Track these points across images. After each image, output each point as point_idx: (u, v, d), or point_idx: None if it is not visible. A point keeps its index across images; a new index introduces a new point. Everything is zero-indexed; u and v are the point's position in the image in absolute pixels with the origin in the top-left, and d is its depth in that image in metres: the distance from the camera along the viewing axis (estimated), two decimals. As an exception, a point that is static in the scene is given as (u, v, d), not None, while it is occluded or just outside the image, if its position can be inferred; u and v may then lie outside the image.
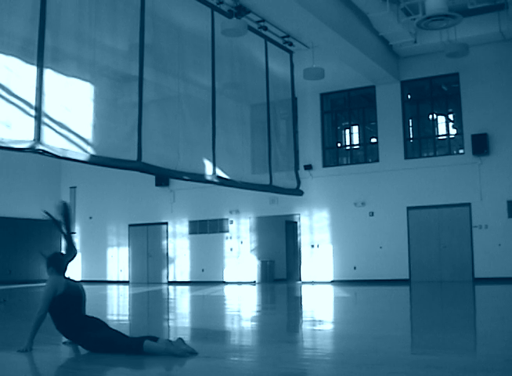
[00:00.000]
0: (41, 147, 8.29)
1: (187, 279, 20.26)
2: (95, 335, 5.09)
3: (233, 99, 13.48)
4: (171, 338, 5.06)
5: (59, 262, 5.39)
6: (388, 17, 14.34)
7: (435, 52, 16.55)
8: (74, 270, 22.65)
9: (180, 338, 4.96)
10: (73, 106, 9.14)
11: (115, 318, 9.36)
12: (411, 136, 18.00)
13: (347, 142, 19.62)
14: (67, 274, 5.46)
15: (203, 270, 20.04)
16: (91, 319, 5.32)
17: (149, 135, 10.23)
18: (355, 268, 17.70)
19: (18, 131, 8.15)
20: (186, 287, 17.65)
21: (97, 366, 4.68)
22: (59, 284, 5.25)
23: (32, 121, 8.28)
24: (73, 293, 5.33)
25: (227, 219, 19.88)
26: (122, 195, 21.72)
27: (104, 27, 9.80)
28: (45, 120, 8.46)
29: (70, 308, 5.25)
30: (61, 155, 8.79)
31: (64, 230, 5.48)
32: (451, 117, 18.58)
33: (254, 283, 18.96)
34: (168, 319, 8.95)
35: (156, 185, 20.60)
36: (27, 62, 8.40)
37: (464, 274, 16.38)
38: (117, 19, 10.06)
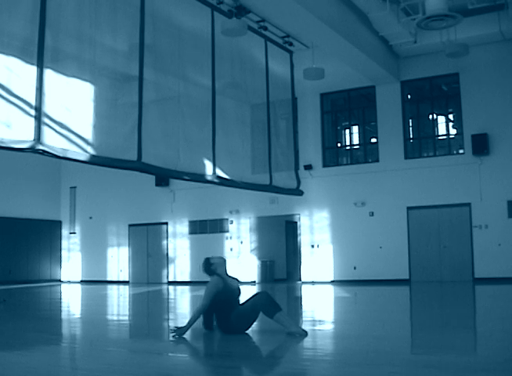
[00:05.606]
0: (41, 147, 8.29)
1: (187, 279, 20.25)
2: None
3: (233, 99, 13.47)
4: None
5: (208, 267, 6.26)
6: (388, 17, 14.33)
7: (435, 52, 16.54)
8: (74, 271, 22.70)
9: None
10: (74, 106, 9.14)
11: (115, 318, 9.37)
12: (411, 136, 17.99)
13: (347, 142, 19.62)
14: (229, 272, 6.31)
15: (203, 270, 20.00)
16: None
17: (149, 135, 10.22)
18: (355, 268, 17.69)
19: (18, 131, 8.14)
20: (186, 287, 17.64)
21: (97, 366, 4.68)
22: (219, 283, 6.03)
23: (32, 121, 8.28)
24: (232, 288, 6.12)
25: (227, 219, 19.87)
26: (122, 195, 21.71)
27: (104, 27, 9.79)
28: (45, 120, 8.46)
29: (230, 301, 6.05)
30: (61, 155, 8.79)
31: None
32: (451, 117, 18.58)
33: (253, 283, 18.96)
34: (168, 320, 8.95)
35: (156, 185, 20.59)
36: (27, 62, 8.40)
37: (464, 274, 16.38)
38: (117, 19, 10.05)
